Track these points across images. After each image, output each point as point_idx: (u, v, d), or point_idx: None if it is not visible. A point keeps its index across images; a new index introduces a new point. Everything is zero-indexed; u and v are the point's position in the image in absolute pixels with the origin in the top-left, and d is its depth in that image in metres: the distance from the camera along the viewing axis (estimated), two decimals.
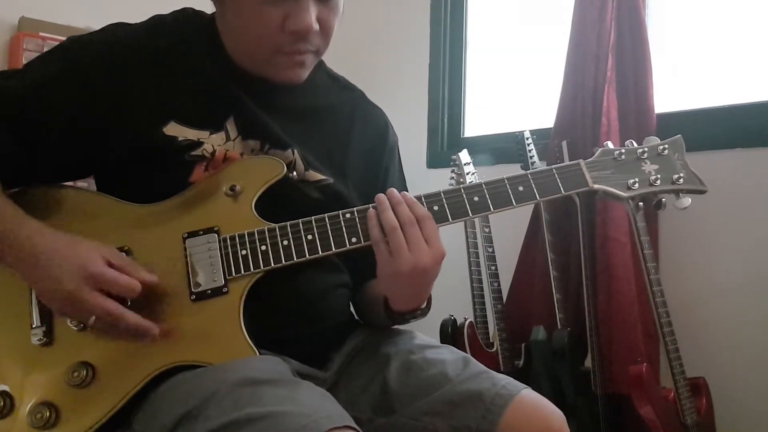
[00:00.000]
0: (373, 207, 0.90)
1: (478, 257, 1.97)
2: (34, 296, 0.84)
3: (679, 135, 1.00)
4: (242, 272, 0.86)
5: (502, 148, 2.22)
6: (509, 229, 2.01)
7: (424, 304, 0.98)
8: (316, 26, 0.89)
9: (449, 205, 0.91)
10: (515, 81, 2.42)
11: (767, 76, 1.76)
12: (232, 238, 0.87)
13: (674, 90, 1.93)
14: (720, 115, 1.82)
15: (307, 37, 0.89)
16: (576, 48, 1.92)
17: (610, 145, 0.99)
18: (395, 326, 1.05)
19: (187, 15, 0.98)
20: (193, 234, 0.88)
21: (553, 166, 0.95)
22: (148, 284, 0.83)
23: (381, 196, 0.90)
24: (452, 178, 1.95)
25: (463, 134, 2.57)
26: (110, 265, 0.81)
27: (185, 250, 0.87)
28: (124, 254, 0.86)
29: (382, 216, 0.88)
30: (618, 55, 1.85)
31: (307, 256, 0.88)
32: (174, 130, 0.90)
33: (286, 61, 0.92)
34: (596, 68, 1.86)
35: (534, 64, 2.33)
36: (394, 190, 0.90)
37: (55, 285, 0.79)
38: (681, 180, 0.96)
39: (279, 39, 0.89)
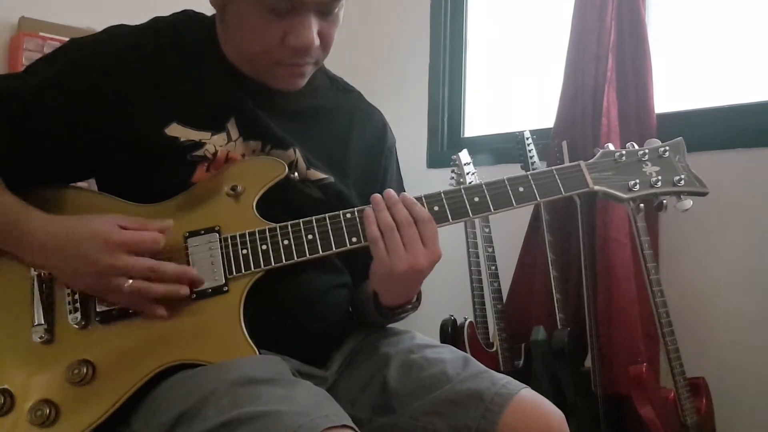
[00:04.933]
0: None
1: (478, 257, 1.97)
2: (35, 294, 0.84)
3: (680, 137, 1.00)
4: (243, 271, 0.86)
5: (502, 148, 2.22)
6: (509, 229, 2.01)
7: (414, 299, 0.98)
8: (317, 41, 0.88)
9: (449, 206, 0.91)
10: (515, 81, 2.42)
11: (767, 76, 1.76)
12: (233, 238, 0.88)
13: (674, 90, 1.93)
14: (720, 115, 1.82)
15: (308, 51, 0.89)
16: (576, 48, 1.92)
17: (611, 146, 1.00)
18: (394, 326, 1.05)
19: (187, 16, 0.98)
20: (194, 233, 0.88)
21: (553, 167, 0.95)
22: (166, 232, 0.84)
23: (377, 196, 0.90)
24: (452, 178, 1.95)
25: (463, 134, 2.57)
26: (124, 228, 0.83)
27: (186, 249, 0.87)
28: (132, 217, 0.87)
29: (379, 216, 0.88)
30: (618, 55, 1.85)
31: (308, 255, 0.88)
32: (176, 130, 0.91)
33: (285, 72, 0.92)
34: (596, 68, 1.86)
35: (534, 64, 2.33)
36: (391, 190, 0.90)
37: (82, 263, 0.81)
38: (682, 182, 0.97)
39: (279, 53, 0.89)
